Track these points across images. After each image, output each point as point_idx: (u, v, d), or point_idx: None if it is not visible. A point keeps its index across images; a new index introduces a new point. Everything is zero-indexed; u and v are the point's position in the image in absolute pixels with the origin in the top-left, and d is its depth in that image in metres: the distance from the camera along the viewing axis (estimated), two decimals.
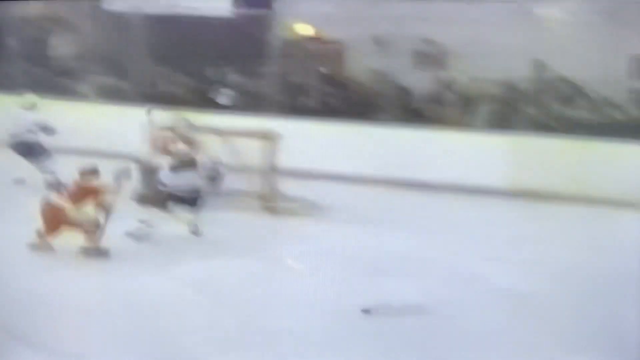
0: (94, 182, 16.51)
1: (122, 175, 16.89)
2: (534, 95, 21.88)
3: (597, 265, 15.43)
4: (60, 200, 16.60)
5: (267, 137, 19.03)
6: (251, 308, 14.21)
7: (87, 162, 16.78)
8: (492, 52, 21.25)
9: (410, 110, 22.28)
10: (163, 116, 18.63)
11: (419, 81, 22.63)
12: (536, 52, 21.19)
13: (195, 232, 17.21)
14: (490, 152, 19.84)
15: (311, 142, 19.82)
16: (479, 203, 19.19)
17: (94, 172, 16.62)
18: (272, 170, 19.01)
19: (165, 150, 18.00)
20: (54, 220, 16.39)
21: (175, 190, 17.40)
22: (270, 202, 18.85)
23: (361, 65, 22.89)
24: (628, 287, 13.57)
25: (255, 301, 14.47)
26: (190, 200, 17.46)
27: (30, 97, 20.14)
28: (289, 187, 19.05)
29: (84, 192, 16.39)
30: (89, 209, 16.52)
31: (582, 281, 14.80)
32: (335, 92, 22.83)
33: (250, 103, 22.32)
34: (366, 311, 14.33)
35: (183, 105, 21.02)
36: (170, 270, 15.55)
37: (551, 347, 12.87)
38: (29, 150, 19.90)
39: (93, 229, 16.41)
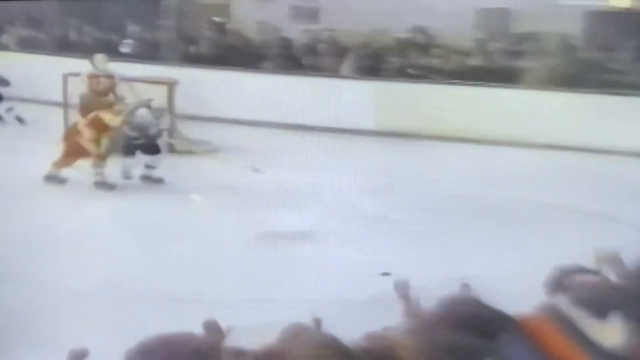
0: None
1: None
2: (396, 46, 22.41)
3: (462, 193, 16.20)
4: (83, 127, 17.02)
5: (166, 83, 19.32)
6: (162, 237, 14.73)
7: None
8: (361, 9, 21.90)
9: (290, 58, 22.43)
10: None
11: (297, 33, 22.84)
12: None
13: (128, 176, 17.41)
14: (360, 97, 19.82)
15: (205, 88, 19.82)
16: (353, 142, 19.07)
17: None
18: (170, 112, 19.10)
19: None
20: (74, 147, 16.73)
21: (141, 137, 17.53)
22: (171, 143, 18.79)
23: (247, 18, 23.09)
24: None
25: (164, 232, 14.98)
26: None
27: None
28: (187, 129, 19.23)
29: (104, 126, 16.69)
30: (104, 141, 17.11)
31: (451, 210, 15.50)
32: (224, 42, 22.98)
33: (149, 52, 22.33)
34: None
35: (91, 54, 20.37)
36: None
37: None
38: None
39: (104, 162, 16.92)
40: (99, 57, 18.61)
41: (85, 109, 18.10)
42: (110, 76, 18.65)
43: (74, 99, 18.80)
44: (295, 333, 6.71)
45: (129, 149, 17.33)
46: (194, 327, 8.70)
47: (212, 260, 13.82)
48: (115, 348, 8.39)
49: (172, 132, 19.06)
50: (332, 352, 6.18)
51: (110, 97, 18.49)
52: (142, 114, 17.45)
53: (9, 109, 20.01)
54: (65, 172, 17.22)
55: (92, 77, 18.53)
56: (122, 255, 13.97)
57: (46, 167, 17.18)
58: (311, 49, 22.93)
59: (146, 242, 14.62)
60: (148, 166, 17.60)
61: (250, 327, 8.16)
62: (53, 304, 12.32)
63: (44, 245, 13.98)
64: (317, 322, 8.18)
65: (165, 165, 18.04)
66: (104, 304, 12.30)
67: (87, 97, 18.36)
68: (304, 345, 5.49)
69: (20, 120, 19.60)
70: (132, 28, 23.17)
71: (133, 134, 17.49)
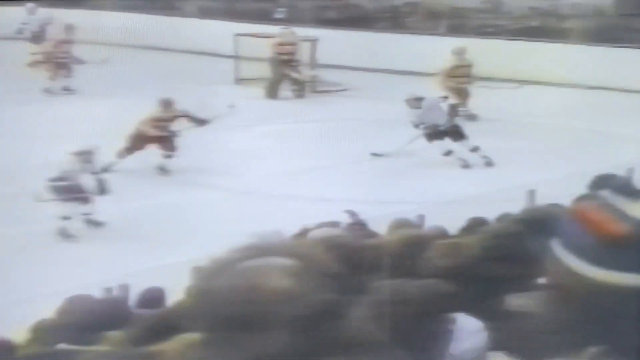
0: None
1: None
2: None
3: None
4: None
5: (310, 40, 19.06)
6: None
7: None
8: None
9: (395, 21, 22.11)
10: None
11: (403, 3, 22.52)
12: None
13: None
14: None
15: (337, 44, 19.11)
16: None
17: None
18: (312, 63, 18.95)
19: None
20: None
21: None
22: (312, 85, 18.54)
23: None
24: None
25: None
26: None
27: None
28: (326, 75, 18.74)
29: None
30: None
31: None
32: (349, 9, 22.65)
33: (296, 17, 21.89)
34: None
35: (253, 19, 21.29)
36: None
37: None
38: None
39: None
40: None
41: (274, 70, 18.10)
42: (293, 43, 18.49)
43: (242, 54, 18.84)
44: (399, 226, 6.27)
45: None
46: None
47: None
48: None
49: (314, 77, 18.74)
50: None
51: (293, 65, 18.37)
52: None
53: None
54: None
55: (279, 44, 18.32)
56: None
57: None
58: (412, 13, 22.44)
59: None
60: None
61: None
62: None
63: None
64: (421, 218, 7.91)
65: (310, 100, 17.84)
66: None
67: (275, 60, 18.20)
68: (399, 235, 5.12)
69: None
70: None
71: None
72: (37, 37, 19.23)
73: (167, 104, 13.44)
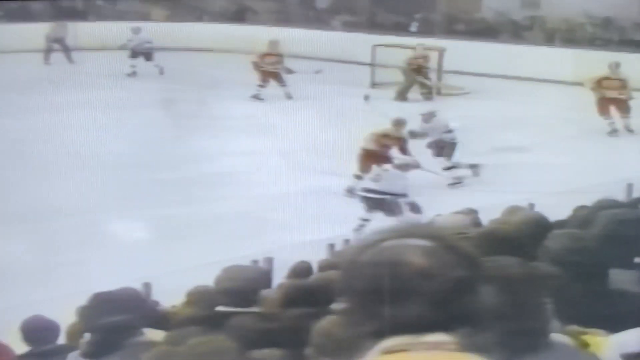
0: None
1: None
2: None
3: None
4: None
5: (438, 49, 19.01)
6: None
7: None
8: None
9: (515, 33, 21.75)
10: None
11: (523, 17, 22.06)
12: None
13: None
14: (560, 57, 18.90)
15: (462, 53, 19.04)
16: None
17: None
18: (439, 70, 18.88)
19: None
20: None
21: None
22: (439, 88, 18.57)
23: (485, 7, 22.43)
24: None
25: None
26: None
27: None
28: (450, 79, 18.72)
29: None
30: None
31: None
32: (475, 23, 22.29)
33: (427, 30, 21.82)
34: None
35: (390, 32, 21.30)
36: None
37: None
38: None
39: None
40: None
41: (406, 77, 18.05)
42: (424, 55, 18.47)
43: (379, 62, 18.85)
44: (513, 212, 6.17)
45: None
46: None
47: None
48: None
49: (441, 83, 18.77)
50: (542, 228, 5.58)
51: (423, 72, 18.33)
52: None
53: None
54: None
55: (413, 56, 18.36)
56: None
57: None
58: (531, 27, 22.00)
59: None
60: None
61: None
62: None
63: None
64: (531, 206, 7.74)
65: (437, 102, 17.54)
66: None
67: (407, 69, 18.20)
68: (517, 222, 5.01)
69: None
70: (417, 15, 22.61)
71: None
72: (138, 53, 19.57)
73: (398, 123, 12.63)
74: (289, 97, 17.75)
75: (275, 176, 12.45)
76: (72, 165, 12.72)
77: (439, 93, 18.43)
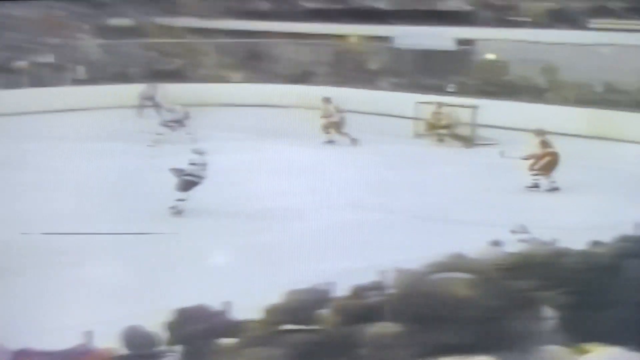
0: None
1: None
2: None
3: None
4: None
5: (471, 107, 18.85)
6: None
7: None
8: None
9: (537, 94, 21.11)
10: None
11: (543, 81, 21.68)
12: None
13: None
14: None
15: (492, 110, 18.93)
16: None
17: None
18: (472, 123, 18.70)
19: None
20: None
21: None
22: (472, 139, 18.45)
23: (514, 73, 22.10)
24: None
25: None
26: None
27: None
28: (482, 133, 18.55)
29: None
30: None
31: None
32: (501, 85, 21.98)
33: (462, 90, 21.71)
34: None
35: (430, 92, 21.20)
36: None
37: None
38: None
39: None
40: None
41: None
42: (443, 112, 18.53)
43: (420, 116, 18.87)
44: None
45: None
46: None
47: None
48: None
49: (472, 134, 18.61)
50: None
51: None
52: None
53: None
54: None
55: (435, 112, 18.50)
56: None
57: None
58: (549, 89, 21.60)
59: None
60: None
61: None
62: None
63: None
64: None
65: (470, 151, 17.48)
66: None
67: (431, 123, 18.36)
68: None
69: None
70: (454, 78, 22.46)
71: None
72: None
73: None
74: (353, 143, 17.72)
75: (335, 210, 12.35)
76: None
77: (472, 143, 18.35)
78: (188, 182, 12.72)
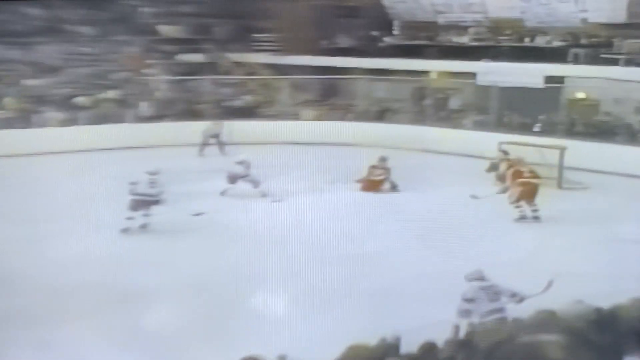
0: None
1: None
2: None
3: None
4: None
5: (559, 147, 18.51)
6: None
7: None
8: None
9: (631, 136, 20.68)
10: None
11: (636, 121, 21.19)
12: None
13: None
14: None
15: (581, 152, 18.71)
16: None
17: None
18: (560, 165, 18.21)
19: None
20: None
21: None
22: (560, 182, 18.00)
23: (607, 113, 21.69)
24: None
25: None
26: None
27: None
28: (571, 175, 18.09)
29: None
30: None
31: None
32: (593, 125, 21.50)
33: (551, 130, 21.45)
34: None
35: (516, 131, 21.12)
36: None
37: None
38: None
39: None
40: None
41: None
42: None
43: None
44: None
45: None
46: None
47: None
48: None
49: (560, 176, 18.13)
50: None
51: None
52: None
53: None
54: None
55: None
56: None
57: None
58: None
59: None
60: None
61: None
62: None
63: None
64: None
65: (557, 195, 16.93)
66: None
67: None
68: None
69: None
70: (541, 117, 22.05)
71: None
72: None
73: None
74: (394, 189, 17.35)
75: (408, 257, 12.18)
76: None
77: (559, 186, 17.86)
78: (139, 201, 13.60)
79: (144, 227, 13.82)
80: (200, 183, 16.98)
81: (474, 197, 15.36)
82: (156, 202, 13.80)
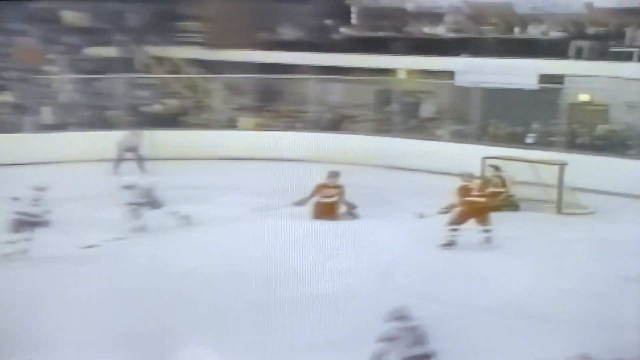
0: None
1: None
2: None
3: None
4: None
5: (558, 164, 18.08)
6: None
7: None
8: None
9: None
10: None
11: None
12: None
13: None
14: None
15: (585, 168, 18.32)
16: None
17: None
18: (560, 185, 17.83)
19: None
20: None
21: None
22: (560, 206, 17.68)
23: (618, 120, 21.52)
24: None
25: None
26: None
27: None
28: (572, 197, 17.83)
29: None
30: None
31: None
32: (600, 136, 21.35)
33: (546, 142, 21.24)
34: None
35: (504, 143, 21.08)
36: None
37: None
38: None
39: None
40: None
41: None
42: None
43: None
44: None
45: None
46: None
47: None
48: None
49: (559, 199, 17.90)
50: None
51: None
52: None
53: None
54: None
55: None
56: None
57: None
58: None
59: None
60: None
61: None
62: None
63: None
64: None
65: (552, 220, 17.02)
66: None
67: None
68: None
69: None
70: (535, 125, 22.05)
71: None
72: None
73: None
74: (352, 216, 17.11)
75: (368, 299, 11.97)
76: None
77: (559, 211, 17.71)
78: (22, 221, 13.92)
79: (24, 252, 13.96)
80: (103, 209, 16.53)
81: (420, 216, 16.22)
82: (40, 224, 14.00)
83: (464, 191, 15.22)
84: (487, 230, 15.09)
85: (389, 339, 9.03)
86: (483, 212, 15.19)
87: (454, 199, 15.22)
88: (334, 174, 16.99)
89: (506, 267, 14.01)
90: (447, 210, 15.29)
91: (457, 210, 15.09)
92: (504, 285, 13.07)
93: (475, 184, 15.55)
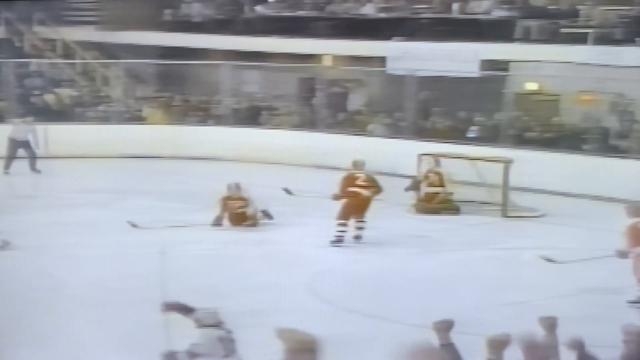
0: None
1: None
2: None
3: None
4: None
5: (502, 161, 18.17)
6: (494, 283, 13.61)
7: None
8: None
9: (606, 143, 20.75)
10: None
11: (613, 123, 21.14)
12: None
13: None
14: None
15: (534, 166, 18.62)
16: None
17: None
18: (505, 186, 17.89)
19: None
20: None
21: None
22: (505, 209, 17.74)
23: (573, 111, 21.70)
24: None
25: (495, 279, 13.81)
26: None
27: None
28: (518, 198, 18.05)
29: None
30: None
31: None
32: (551, 129, 21.63)
33: (490, 137, 21.35)
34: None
35: (441, 139, 21.25)
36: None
37: None
38: None
39: None
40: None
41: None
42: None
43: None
44: None
45: None
46: None
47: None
48: None
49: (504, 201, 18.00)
50: None
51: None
52: None
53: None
54: None
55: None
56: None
57: None
58: (626, 135, 21.09)
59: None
60: None
61: None
62: None
63: None
64: None
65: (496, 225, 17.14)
66: None
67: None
68: None
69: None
70: (478, 118, 22.30)
71: None
72: None
73: None
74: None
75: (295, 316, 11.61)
76: None
77: (504, 215, 17.84)
78: None
79: None
80: None
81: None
82: None
83: (348, 181, 15.48)
84: (360, 227, 15.25)
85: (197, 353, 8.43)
86: (364, 204, 15.33)
87: (337, 189, 15.44)
88: (237, 187, 16.89)
89: (446, 279, 13.80)
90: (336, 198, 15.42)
91: (341, 203, 15.30)
92: (443, 300, 12.75)
93: (361, 173, 15.67)
